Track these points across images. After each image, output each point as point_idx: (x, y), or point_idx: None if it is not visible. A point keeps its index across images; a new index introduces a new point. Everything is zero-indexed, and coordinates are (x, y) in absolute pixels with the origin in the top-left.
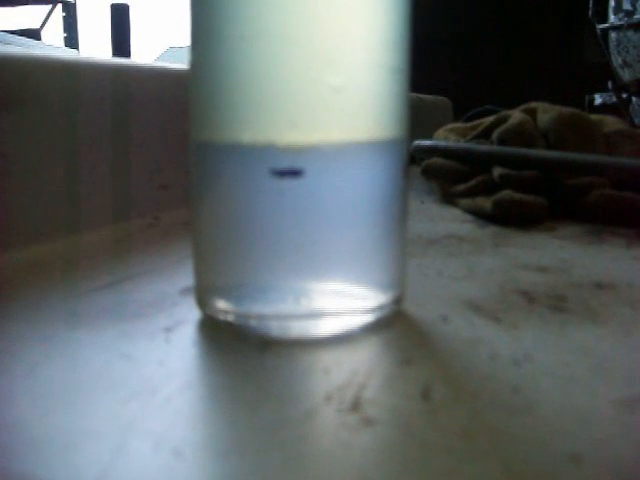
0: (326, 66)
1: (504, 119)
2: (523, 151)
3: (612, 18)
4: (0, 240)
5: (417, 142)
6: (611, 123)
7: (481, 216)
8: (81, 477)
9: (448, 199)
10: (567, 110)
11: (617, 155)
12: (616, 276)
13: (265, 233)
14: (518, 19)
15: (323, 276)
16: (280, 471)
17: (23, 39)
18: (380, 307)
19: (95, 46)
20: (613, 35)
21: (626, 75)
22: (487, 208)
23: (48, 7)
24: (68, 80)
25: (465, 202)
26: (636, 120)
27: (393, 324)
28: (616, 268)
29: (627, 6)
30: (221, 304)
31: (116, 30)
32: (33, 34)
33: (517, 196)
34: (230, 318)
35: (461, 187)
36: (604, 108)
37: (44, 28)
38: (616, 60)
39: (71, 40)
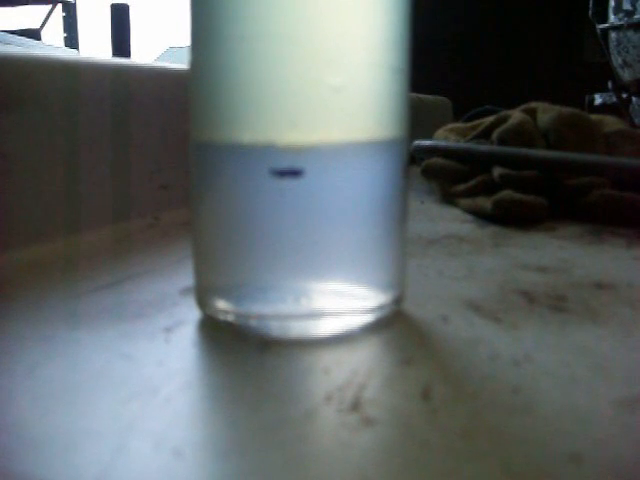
0: (326, 66)
1: (504, 119)
2: (523, 151)
3: (612, 18)
4: (0, 240)
5: (417, 142)
6: (611, 123)
7: (481, 216)
8: (81, 477)
9: (448, 199)
10: (567, 110)
11: (617, 155)
12: (616, 276)
13: (265, 233)
14: (518, 19)
15: (323, 276)
16: (280, 471)
17: (23, 39)
18: (380, 307)
19: (95, 46)
20: (613, 35)
21: (626, 75)
22: (487, 208)
23: (48, 7)
24: (68, 80)
25: (465, 202)
26: (636, 120)
27: (393, 324)
28: (616, 268)
29: (627, 6)
30: (221, 304)
31: (116, 30)
32: (33, 34)
33: (517, 196)
34: (230, 318)
35: (461, 187)
36: (604, 108)
37: (44, 28)
38: (616, 60)
39: (71, 40)
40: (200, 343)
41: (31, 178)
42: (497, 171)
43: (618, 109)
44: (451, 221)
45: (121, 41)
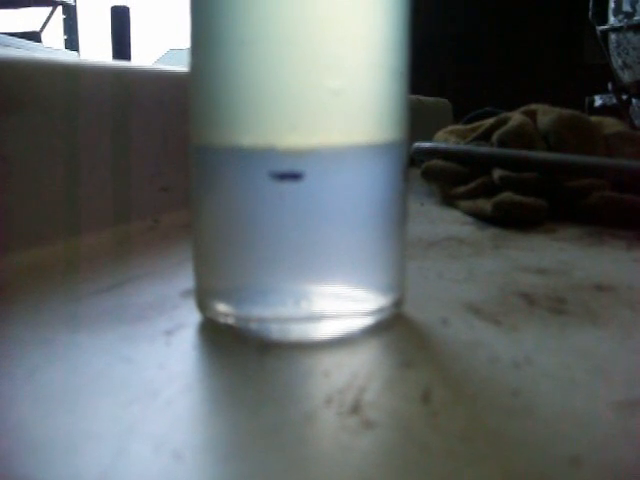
0: (325, 69)
1: (504, 121)
2: (523, 153)
3: (612, 20)
4: (0, 243)
5: (417, 144)
6: (611, 125)
7: (481, 218)
8: None
9: (448, 201)
10: (567, 112)
11: (617, 157)
12: (616, 278)
13: (265, 236)
14: (518, 21)
15: (323, 279)
16: (280, 474)
17: (23, 41)
18: (380, 310)
19: (95, 48)
20: (613, 37)
21: (626, 77)
22: (487, 210)
23: (48, 9)
24: (68, 83)
25: (465, 204)
26: (636, 122)
27: (393, 327)
28: (616, 270)
29: (627, 8)
30: (221, 307)
31: (116, 32)
32: (33, 36)
33: (517, 198)
34: (230, 321)
35: (461, 189)
36: (604, 110)
37: (44, 30)
38: (616, 62)
39: (71, 42)
40: (200, 346)
41: (31, 181)
42: (497, 173)
43: (618, 111)
44: (451, 223)
45: (121, 43)
